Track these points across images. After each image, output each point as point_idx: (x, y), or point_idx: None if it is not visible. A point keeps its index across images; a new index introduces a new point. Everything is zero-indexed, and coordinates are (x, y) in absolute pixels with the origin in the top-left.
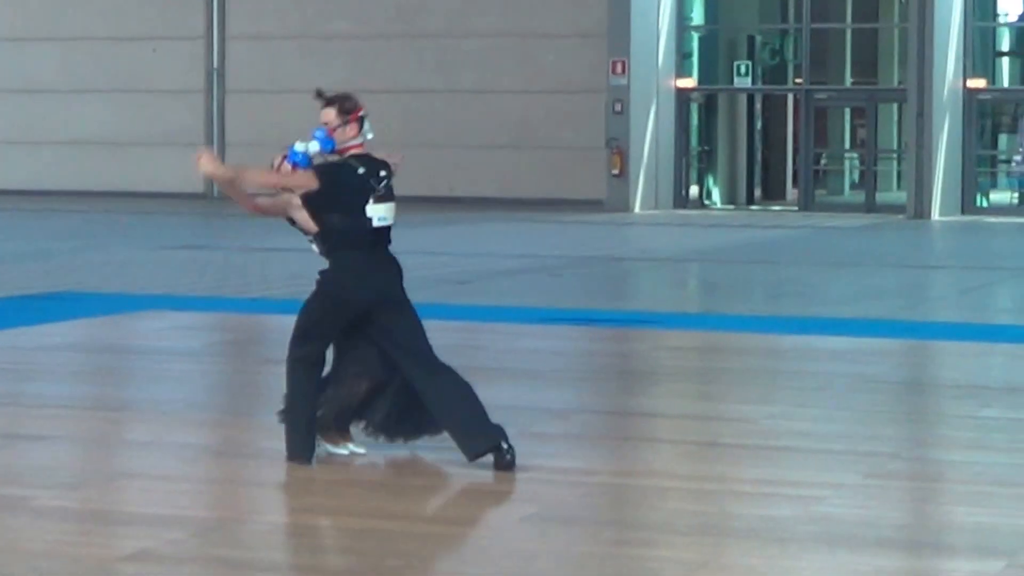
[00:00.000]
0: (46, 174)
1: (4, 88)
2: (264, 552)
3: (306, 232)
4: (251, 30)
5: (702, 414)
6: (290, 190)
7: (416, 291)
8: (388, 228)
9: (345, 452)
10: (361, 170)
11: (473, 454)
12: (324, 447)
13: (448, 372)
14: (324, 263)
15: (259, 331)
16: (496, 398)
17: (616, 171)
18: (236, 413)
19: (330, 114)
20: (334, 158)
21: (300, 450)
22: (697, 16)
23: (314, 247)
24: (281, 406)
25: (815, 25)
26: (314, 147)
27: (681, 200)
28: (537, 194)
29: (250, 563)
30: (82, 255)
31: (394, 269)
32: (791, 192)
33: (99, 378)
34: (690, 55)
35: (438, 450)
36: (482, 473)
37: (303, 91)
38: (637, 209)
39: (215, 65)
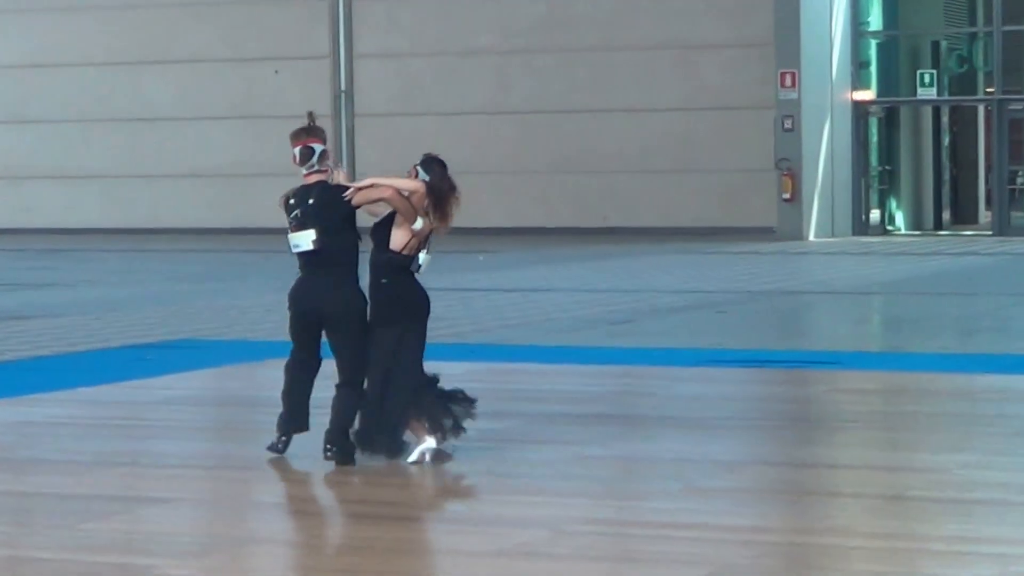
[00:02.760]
0: (163, 209)
1: (116, 117)
2: None
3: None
4: (381, 48)
5: (888, 464)
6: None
7: (569, 333)
8: (315, 252)
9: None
10: (292, 200)
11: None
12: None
13: (342, 388)
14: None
15: None
16: (658, 450)
17: (787, 195)
18: (371, 471)
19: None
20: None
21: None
22: (875, 21)
23: None
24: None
25: (1008, 27)
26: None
27: (860, 226)
28: (700, 222)
29: None
30: (202, 299)
31: (331, 290)
32: (984, 215)
33: (223, 434)
34: (867, 64)
35: (590, 522)
36: (647, 533)
37: (440, 113)
38: (811, 237)
39: (343, 87)
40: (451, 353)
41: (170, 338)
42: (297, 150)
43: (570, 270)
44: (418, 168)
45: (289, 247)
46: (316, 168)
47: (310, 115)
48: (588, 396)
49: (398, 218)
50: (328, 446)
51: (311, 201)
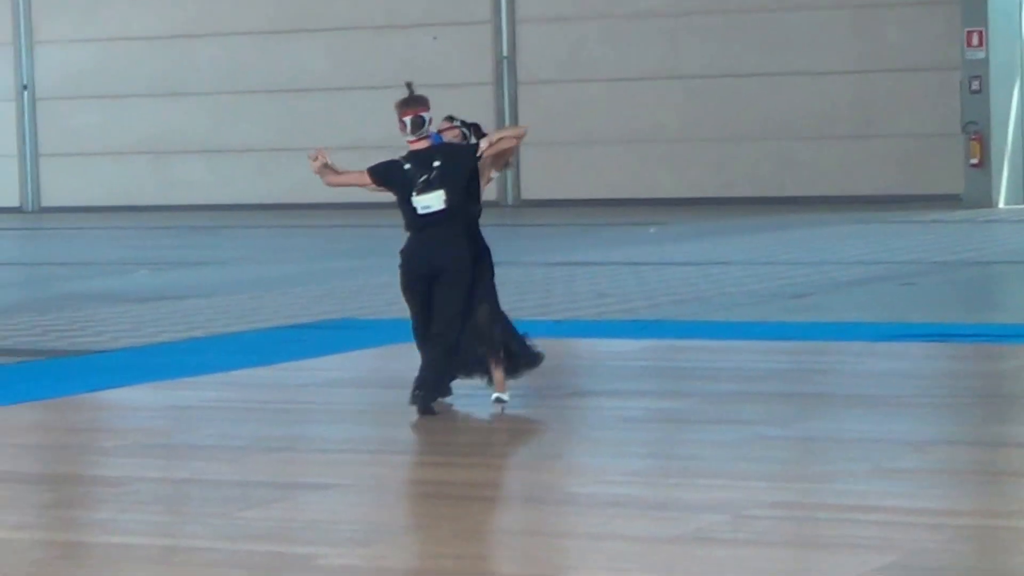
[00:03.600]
0: (317, 184)
1: (269, 88)
2: None
3: None
4: (545, 11)
5: None
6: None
7: (745, 307)
8: (443, 211)
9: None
10: (407, 166)
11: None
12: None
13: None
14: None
15: (565, 358)
16: (842, 430)
17: (975, 160)
18: (542, 455)
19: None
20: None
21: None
22: None
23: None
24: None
25: None
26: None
27: None
28: (881, 190)
29: None
30: (360, 276)
31: (449, 247)
32: None
33: (384, 417)
34: None
35: (772, 505)
36: (833, 517)
37: (607, 79)
38: (1001, 204)
39: (505, 53)
40: (623, 330)
41: (327, 317)
42: (409, 120)
43: (745, 242)
44: (461, 122)
45: (410, 212)
46: (426, 135)
47: (409, 85)
48: (766, 374)
49: (483, 171)
50: (417, 391)
51: (437, 163)
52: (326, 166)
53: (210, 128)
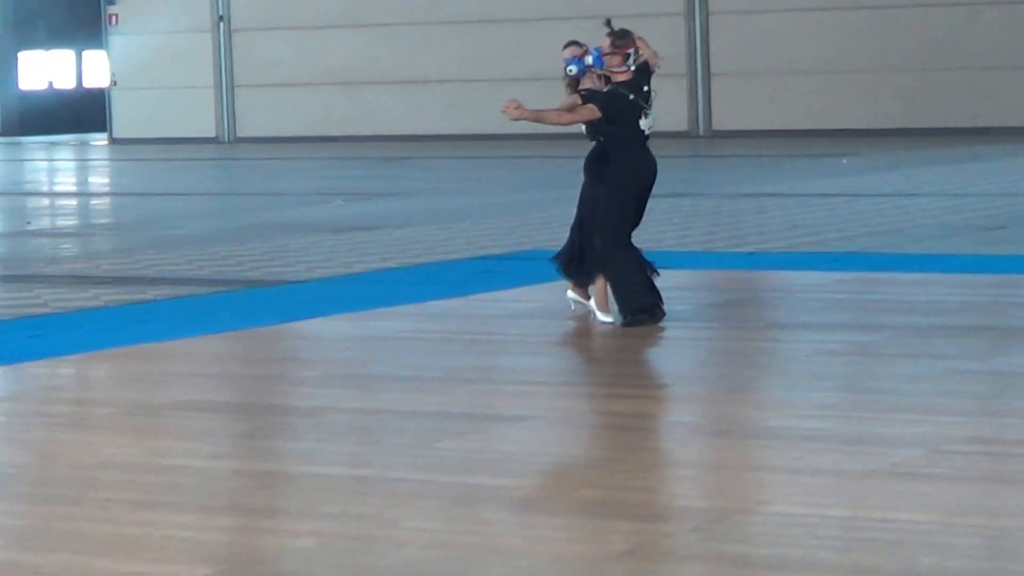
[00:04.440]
0: (501, 115)
1: (458, 19)
2: (774, 548)
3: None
4: None
5: None
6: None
7: (937, 240)
8: (649, 134)
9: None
10: (631, 96)
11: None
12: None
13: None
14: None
15: (757, 290)
16: None
17: None
18: (735, 388)
19: (606, 42)
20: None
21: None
22: None
23: (584, 130)
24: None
25: None
26: (588, 61)
27: None
28: None
29: (759, 560)
30: (550, 208)
31: (655, 162)
32: None
33: (575, 349)
34: None
35: (969, 441)
36: None
37: (798, 10)
38: None
39: None
40: (815, 262)
41: (518, 249)
42: (632, 52)
43: (937, 173)
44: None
45: (636, 133)
46: (632, 68)
47: (609, 22)
48: (960, 307)
49: None
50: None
51: (646, 89)
52: (534, 111)
53: (400, 59)
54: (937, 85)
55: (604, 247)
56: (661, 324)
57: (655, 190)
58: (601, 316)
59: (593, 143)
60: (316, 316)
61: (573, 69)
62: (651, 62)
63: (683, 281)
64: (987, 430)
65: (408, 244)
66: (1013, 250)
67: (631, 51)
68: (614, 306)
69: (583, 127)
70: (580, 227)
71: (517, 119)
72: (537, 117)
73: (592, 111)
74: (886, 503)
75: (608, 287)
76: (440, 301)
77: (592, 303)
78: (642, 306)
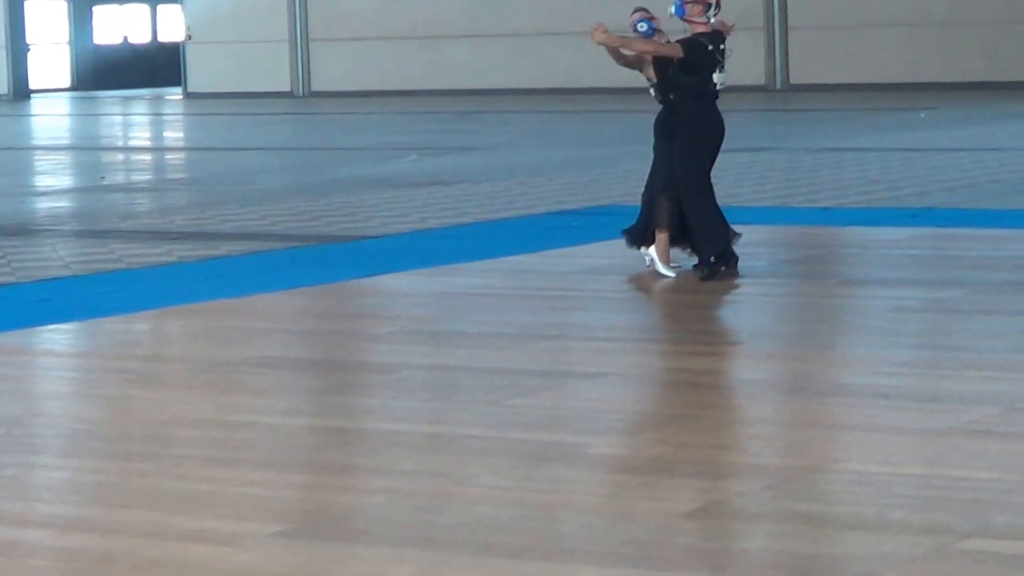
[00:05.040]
0: (583, 69)
1: None
2: (847, 507)
3: (649, 79)
4: None
5: None
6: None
7: (1017, 195)
8: (721, 88)
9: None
10: (710, 47)
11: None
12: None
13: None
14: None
15: (833, 246)
16: None
17: None
18: (810, 344)
19: None
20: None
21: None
22: None
23: (652, 92)
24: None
25: None
26: (657, 24)
27: None
28: None
29: (832, 519)
30: (626, 162)
31: (722, 121)
32: None
33: (650, 305)
34: None
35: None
36: None
37: None
38: None
39: None
40: (892, 218)
41: (594, 204)
42: (715, 3)
43: (1017, 127)
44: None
45: (709, 86)
46: (711, 20)
47: None
48: None
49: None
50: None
51: (723, 46)
52: (620, 37)
53: (476, 12)
54: (1018, 38)
55: (688, 194)
56: (736, 281)
57: (731, 144)
58: (663, 269)
59: (661, 106)
60: (390, 272)
61: (644, 26)
62: (723, 29)
63: (758, 237)
64: None
65: (483, 199)
66: None
67: (712, 2)
68: (683, 258)
69: (651, 90)
70: (649, 192)
71: (602, 43)
72: (623, 43)
73: (676, 48)
74: (961, 461)
75: (692, 230)
76: (515, 257)
77: (654, 254)
78: (724, 249)
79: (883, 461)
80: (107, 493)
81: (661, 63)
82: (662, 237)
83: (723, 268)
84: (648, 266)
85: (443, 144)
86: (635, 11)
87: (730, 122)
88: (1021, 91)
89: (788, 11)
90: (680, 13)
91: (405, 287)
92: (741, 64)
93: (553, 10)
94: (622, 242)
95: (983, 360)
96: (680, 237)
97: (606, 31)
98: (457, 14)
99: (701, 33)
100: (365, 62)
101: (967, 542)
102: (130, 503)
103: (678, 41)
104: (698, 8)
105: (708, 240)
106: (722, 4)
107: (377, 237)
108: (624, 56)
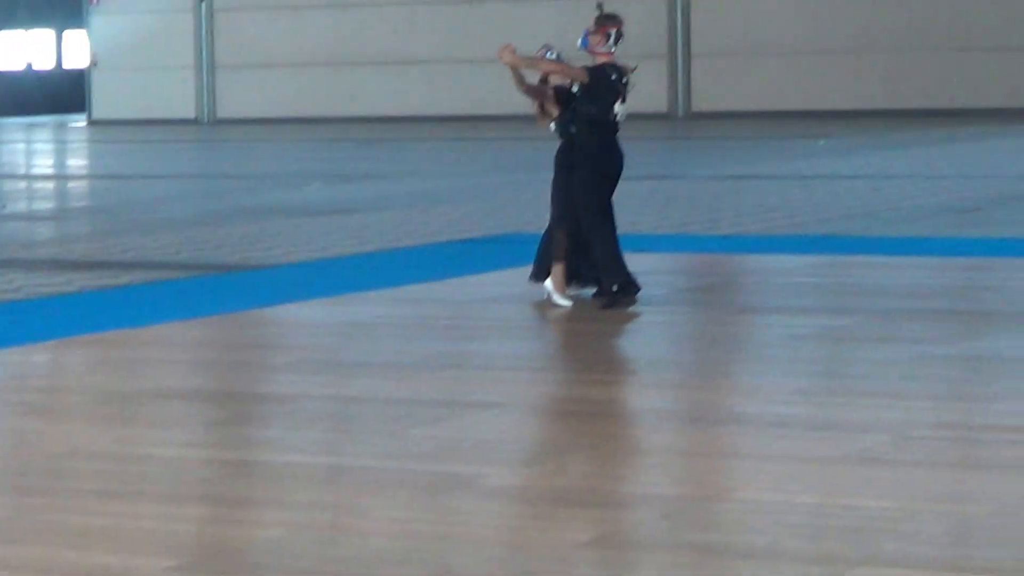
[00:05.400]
0: (489, 96)
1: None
2: (742, 535)
3: (547, 117)
4: None
5: None
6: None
7: (913, 222)
8: (620, 120)
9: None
10: (613, 76)
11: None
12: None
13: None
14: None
15: (732, 274)
16: (1008, 348)
17: None
18: (707, 373)
19: (592, 23)
20: (585, 56)
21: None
22: None
23: (552, 127)
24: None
25: None
26: (578, 44)
27: None
28: None
29: (727, 548)
30: (530, 190)
31: (622, 154)
32: None
33: (550, 335)
34: None
35: (936, 426)
36: (998, 438)
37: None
38: None
39: None
40: (790, 245)
41: (497, 232)
42: (613, 32)
43: (915, 155)
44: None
45: (608, 117)
46: (612, 50)
47: (600, 6)
48: (933, 290)
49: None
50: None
51: (625, 80)
52: (527, 57)
53: (385, 40)
54: (916, 66)
55: (589, 225)
56: (636, 309)
57: (632, 172)
58: (559, 299)
59: (561, 140)
60: (292, 301)
61: (552, 55)
62: (625, 69)
63: (659, 265)
64: (955, 415)
65: (386, 228)
66: (987, 232)
67: (612, 31)
68: (572, 285)
69: (552, 124)
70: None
71: (510, 63)
72: (530, 63)
73: (582, 72)
74: (853, 489)
75: (595, 259)
76: (417, 285)
77: (549, 286)
78: (625, 281)
79: (777, 489)
80: (0, 528)
81: (562, 95)
82: (557, 269)
83: (624, 298)
84: (546, 299)
85: (348, 172)
86: (542, 47)
87: (631, 150)
88: (919, 118)
89: (691, 38)
90: (584, 44)
91: (306, 316)
92: (643, 92)
93: (460, 38)
94: (524, 271)
95: (876, 388)
96: (578, 272)
97: (514, 52)
98: (364, 41)
99: (605, 63)
100: (271, 89)
101: (858, 570)
102: (23, 538)
103: (583, 67)
104: (599, 38)
105: (610, 270)
106: (624, 32)
107: (279, 266)
108: (527, 84)
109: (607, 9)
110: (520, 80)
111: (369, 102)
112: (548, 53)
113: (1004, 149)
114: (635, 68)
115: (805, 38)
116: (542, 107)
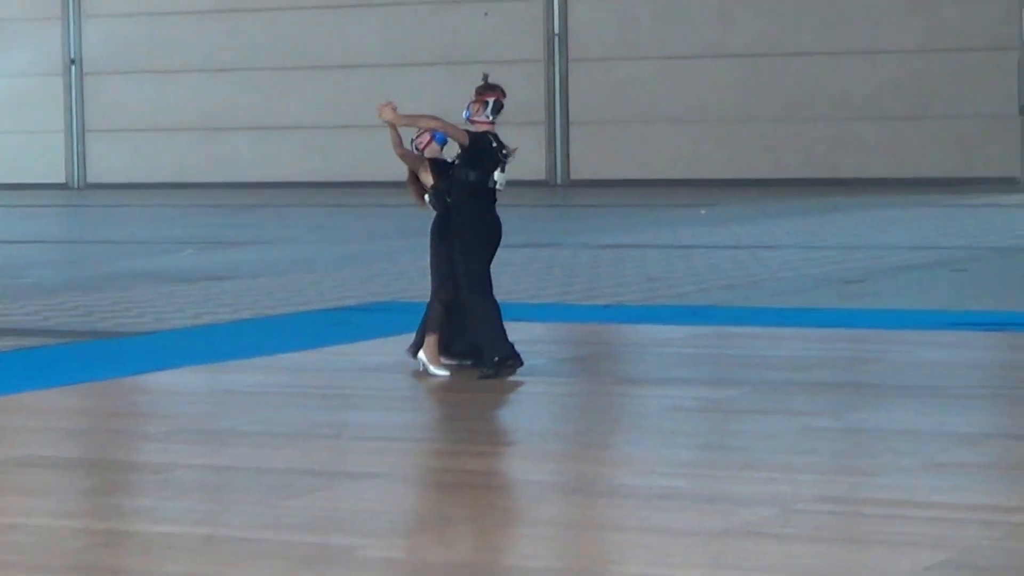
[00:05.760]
0: (365, 162)
1: (316, 64)
2: None
3: (421, 189)
4: None
5: None
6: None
7: (796, 293)
8: (500, 190)
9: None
10: (494, 144)
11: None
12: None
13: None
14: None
15: (612, 344)
16: (893, 421)
17: None
18: (588, 444)
19: (473, 93)
20: (467, 126)
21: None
22: None
23: (427, 199)
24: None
25: None
26: (464, 115)
27: None
28: (936, 172)
29: None
30: (407, 257)
31: (500, 223)
32: None
33: (428, 405)
34: None
35: (821, 500)
36: (883, 512)
37: (659, 57)
38: None
39: (556, 30)
40: (672, 315)
41: (372, 300)
42: (492, 101)
43: (798, 225)
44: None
45: (486, 185)
46: (491, 118)
47: (486, 76)
48: (817, 362)
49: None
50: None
51: (505, 152)
52: (405, 115)
53: (258, 104)
54: (799, 135)
55: (469, 295)
56: (515, 379)
57: (510, 240)
58: (435, 370)
59: (436, 213)
60: (165, 368)
61: (440, 138)
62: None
63: (538, 334)
64: (839, 489)
65: (260, 295)
66: (870, 304)
67: (490, 99)
68: (444, 357)
69: (426, 197)
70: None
71: (390, 120)
72: (410, 121)
73: (463, 135)
74: (738, 563)
75: (476, 330)
76: (292, 354)
77: (423, 357)
78: (508, 353)
79: (660, 563)
80: None
81: (439, 168)
82: (431, 340)
83: (505, 369)
84: (422, 370)
85: (221, 238)
86: (425, 131)
87: (510, 217)
88: (801, 188)
89: (569, 105)
90: (467, 115)
91: (180, 384)
92: (521, 159)
93: (336, 104)
94: (401, 340)
95: (760, 460)
96: (451, 345)
97: (395, 109)
98: (238, 105)
99: (487, 131)
100: (143, 153)
101: None
102: None
103: (466, 130)
104: (477, 106)
105: (491, 342)
106: (504, 104)
107: (151, 333)
108: (404, 149)
109: (491, 79)
110: (398, 142)
111: (242, 167)
112: (435, 134)
113: (887, 219)
114: (515, 150)
115: (685, 106)
116: (416, 177)
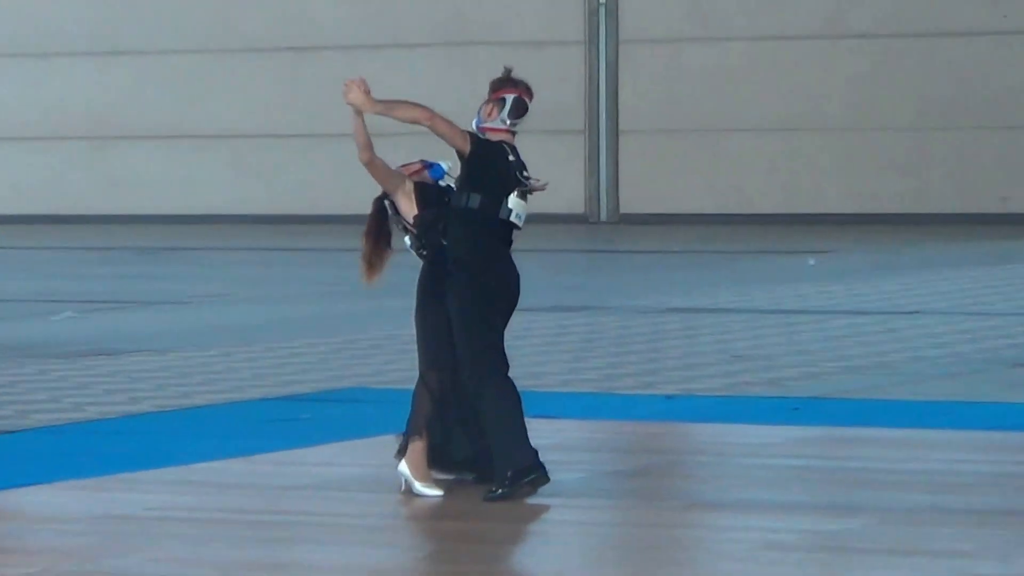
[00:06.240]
0: (325, 187)
1: (253, 46)
2: None
3: (401, 225)
4: None
5: None
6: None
7: (946, 380)
8: (520, 226)
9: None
10: (511, 157)
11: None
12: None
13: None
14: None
15: (679, 452)
16: None
17: None
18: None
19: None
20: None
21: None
22: None
23: (408, 243)
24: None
25: None
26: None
27: None
28: None
29: None
30: (378, 325)
31: (517, 271)
32: None
33: (407, 539)
34: None
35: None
36: None
37: (749, 39)
38: None
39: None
40: (765, 411)
41: (332, 386)
42: (511, 98)
43: (949, 281)
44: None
45: (498, 215)
46: (508, 123)
47: (509, 70)
48: (976, 479)
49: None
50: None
51: (527, 175)
52: (379, 101)
53: (170, 104)
54: (949, 152)
55: (477, 379)
56: (539, 501)
57: (534, 300)
58: (422, 488)
59: (422, 261)
60: (34, 483)
61: (437, 171)
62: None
63: (572, 437)
64: None
65: (169, 377)
66: None
67: (508, 96)
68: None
69: (407, 239)
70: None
71: (354, 103)
72: (385, 108)
73: (464, 138)
74: None
75: (484, 432)
76: (213, 463)
77: (405, 470)
78: (528, 464)
79: None
80: None
81: (428, 196)
82: (416, 445)
83: (524, 487)
84: (404, 487)
85: (116, 295)
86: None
87: (530, 268)
88: (953, 226)
89: (619, 108)
90: (478, 122)
91: (54, 507)
92: (553, 185)
93: (283, 103)
94: (371, 443)
95: None
96: (445, 452)
97: (367, 91)
98: (142, 105)
99: (502, 140)
100: (4, 173)
101: None
102: None
103: (467, 132)
104: (490, 107)
105: (504, 448)
106: (529, 106)
107: (17, 431)
108: (375, 157)
109: (502, 74)
110: (365, 143)
111: (146, 193)
112: (434, 167)
113: None
114: (545, 184)
115: (786, 109)
116: (381, 212)
